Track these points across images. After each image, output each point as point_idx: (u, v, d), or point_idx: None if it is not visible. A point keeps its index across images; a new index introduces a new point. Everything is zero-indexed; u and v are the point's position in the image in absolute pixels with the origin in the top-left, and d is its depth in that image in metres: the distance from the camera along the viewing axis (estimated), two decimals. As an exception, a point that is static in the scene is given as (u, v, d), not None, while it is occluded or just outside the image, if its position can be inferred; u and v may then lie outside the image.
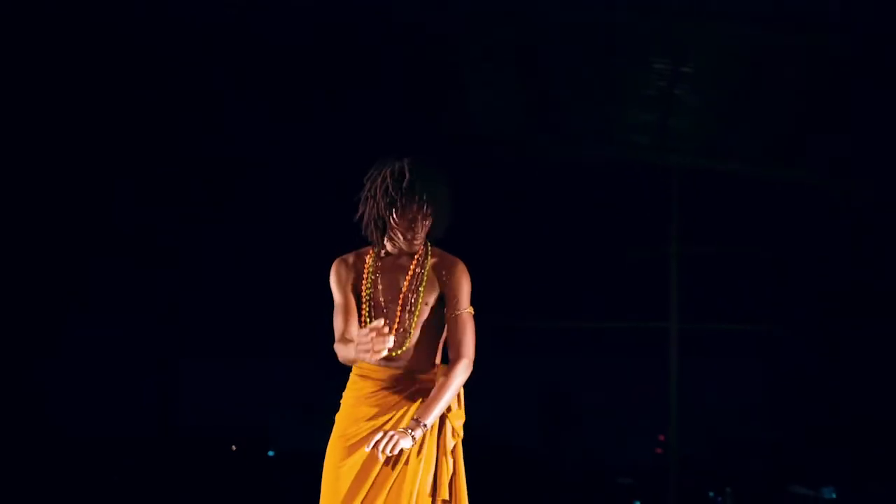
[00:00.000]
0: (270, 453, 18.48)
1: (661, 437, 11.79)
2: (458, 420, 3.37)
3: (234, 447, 17.75)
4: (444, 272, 3.32)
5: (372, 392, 3.34)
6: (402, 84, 10.09)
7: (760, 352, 14.42)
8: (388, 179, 3.22)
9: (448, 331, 3.32)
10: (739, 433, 17.34)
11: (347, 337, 3.29)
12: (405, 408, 3.31)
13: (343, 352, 3.31)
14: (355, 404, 3.36)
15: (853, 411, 15.18)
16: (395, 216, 3.22)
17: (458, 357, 3.27)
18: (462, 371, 3.28)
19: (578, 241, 12.30)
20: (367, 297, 3.34)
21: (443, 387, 3.22)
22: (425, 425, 3.15)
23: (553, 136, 11.43)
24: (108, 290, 13.19)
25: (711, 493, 16.87)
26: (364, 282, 3.35)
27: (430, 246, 3.38)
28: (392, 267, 3.35)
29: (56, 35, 9.04)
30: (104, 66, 9.54)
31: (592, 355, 16.17)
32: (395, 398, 3.31)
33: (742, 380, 16.20)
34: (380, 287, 3.31)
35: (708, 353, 13.83)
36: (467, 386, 3.41)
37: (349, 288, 3.40)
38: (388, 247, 3.36)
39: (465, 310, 3.28)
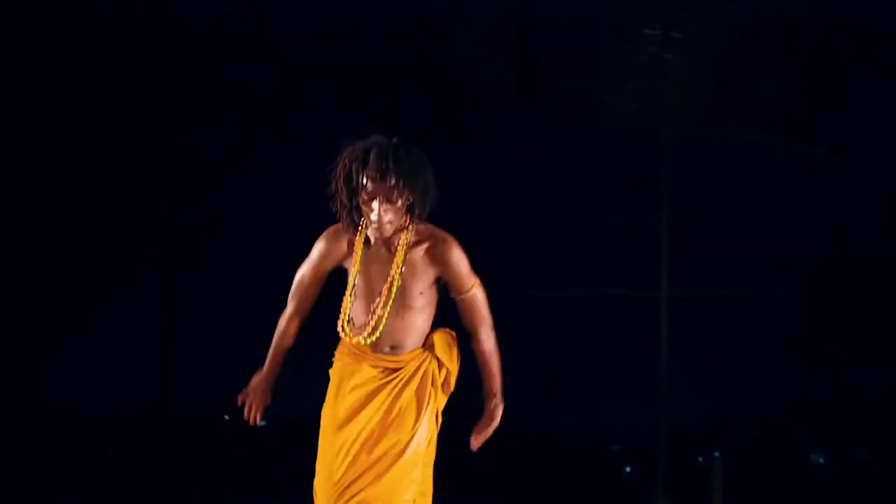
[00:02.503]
0: (263, 423, 18.58)
1: None
2: (452, 366, 3.33)
3: (226, 417, 17.83)
4: (435, 257, 3.16)
5: (357, 369, 3.27)
6: (398, 62, 10.03)
7: (751, 320, 14.48)
8: (349, 163, 3.03)
9: (461, 310, 3.27)
10: (729, 401, 17.47)
11: (289, 310, 3.33)
12: (389, 383, 3.26)
13: (279, 325, 3.38)
14: (342, 378, 3.30)
15: (842, 379, 15.29)
16: (359, 200, 3.05)
17: (479, 328, 3.28)
18: (490, 335, 3.30)
19: (570, 210, 12.27)
20: (354, 285, 3.21)
21: (490, 359, 3.30)
22: (502, 395, 3.31)
23: (543, 106, 11.35)
24: (107, 289, 13.26)
25: (700, 459, 17.04)
26: (352, 268, 3.20)
27: (415, 226, 3.14)
28: (378, 255, 3.17)
29: (64, 40, 8.99)
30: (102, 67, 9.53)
31: (584, 326, 16.25)
32: (378, 376, 3.26)
33: (733, 349, 16.30)
34: (368, 274, 3.18)
35: (698, 322, 13.90)
36: (462, 359, 3.42)
37: (328, 264, 3.27)
38: (369, 232, 3.16)
39: (472, 287, 3.22)
